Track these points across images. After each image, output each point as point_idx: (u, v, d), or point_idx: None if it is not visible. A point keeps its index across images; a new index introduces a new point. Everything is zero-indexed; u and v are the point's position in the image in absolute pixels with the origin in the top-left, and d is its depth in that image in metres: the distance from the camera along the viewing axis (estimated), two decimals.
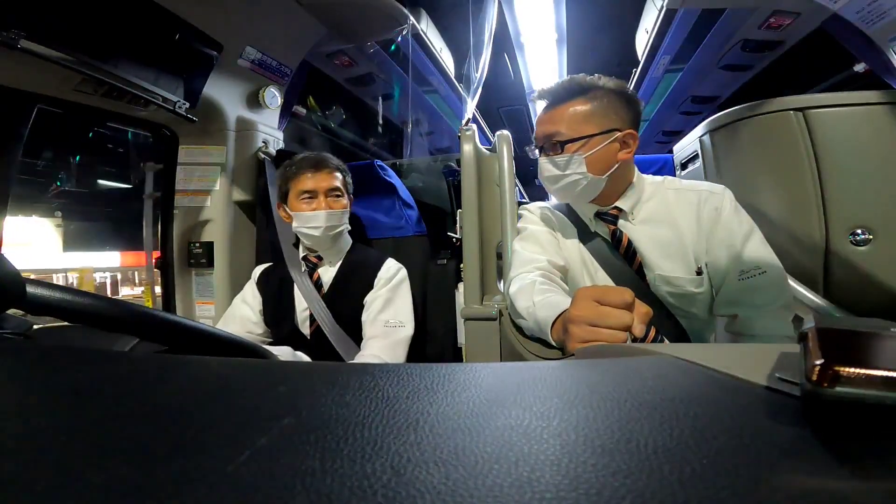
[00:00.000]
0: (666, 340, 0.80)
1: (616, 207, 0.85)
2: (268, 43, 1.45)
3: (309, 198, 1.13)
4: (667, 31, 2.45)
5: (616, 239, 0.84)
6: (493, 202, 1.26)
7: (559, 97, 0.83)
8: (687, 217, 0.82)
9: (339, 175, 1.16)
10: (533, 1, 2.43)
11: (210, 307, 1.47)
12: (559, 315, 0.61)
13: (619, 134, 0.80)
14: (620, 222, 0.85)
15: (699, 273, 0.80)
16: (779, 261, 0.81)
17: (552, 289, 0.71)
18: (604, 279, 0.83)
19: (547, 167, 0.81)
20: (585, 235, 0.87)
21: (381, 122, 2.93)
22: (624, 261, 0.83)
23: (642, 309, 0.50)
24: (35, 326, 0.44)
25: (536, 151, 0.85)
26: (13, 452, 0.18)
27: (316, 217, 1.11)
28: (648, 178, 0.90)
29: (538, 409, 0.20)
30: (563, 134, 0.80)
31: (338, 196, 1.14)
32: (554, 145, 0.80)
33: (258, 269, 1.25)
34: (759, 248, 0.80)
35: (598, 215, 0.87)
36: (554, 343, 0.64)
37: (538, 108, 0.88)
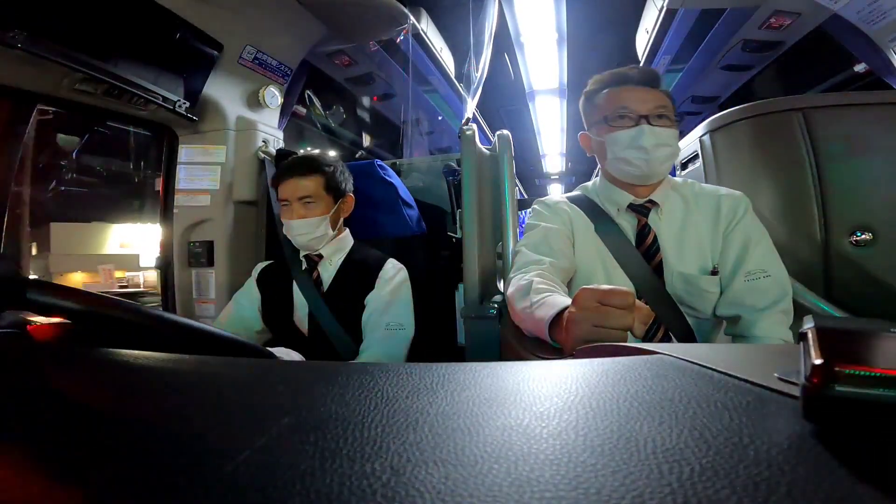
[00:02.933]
0: (674, 339, 0.81)
1: (651, 200, 0.87)
2: (268, 42, 1.45)
3: (285, 206, 1.12)
4: (667, 31, 2.45)
5: (643, 233, 0.85)
6: (493, 202, 1.26)
7: (654, 80, 0.87)
8: (707, 218, 0.85)
9: (313, 179, 1.11)
10: (533, 1, 2.43)
11: (210, 307, 1.46)
12: (557, 314, 0.61)
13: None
14: (651, 216, 0.86)
15: (714, 273, 0.82)
16: (784, 268, 0.83)
17: (550, 288, 0.71)
18: (619, 274, 0.84)
19: (657, 134, 0.83)
20: (603, 229, 0.87)
21: (369, 118, 2.93)
22: (643, 256, 0.84)
23: (643, 310, 0.50)
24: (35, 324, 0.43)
25: (619, 121, 0.85)
26: (11, 451, 0.18)
27: (289, 226, 1.11)
28: (672, 178, 0.92)
29: (538, 409, 0.20)
30: (670, 109, 0.85)
31: (308, 203, 1.10)
32: (661, 117, 0.84)
33: (259, 266, 1.25)
34: (767, 253, 0.83)
35: (632, 207, 0.87)
36: (552, 343, 0.63)
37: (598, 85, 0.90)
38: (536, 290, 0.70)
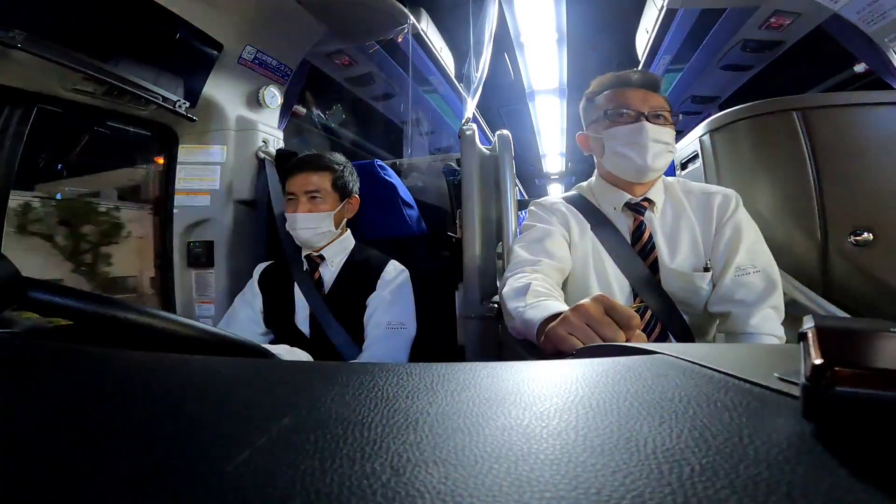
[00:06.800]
0: (672, 336, 0.81)
1: (647, 199, 0.89)
2: (268, 42, 1.45)
3: (291, 199, 1.13)
4: (667, 31, 2.45)
5: (638, 231, 0.87)
6: (493, 202, 1.26)
7: (653, 84, 0.90)
8: (699, 216, 0.88)
9: (322, 175, 1.13)
10: (533, 1, 2.43)
11: (210, 307, 1.46)
12: (548, 318, 0.60)
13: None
14: (647, 214, 0.88)
15: (707, 269, 0.84)
16: (776, 265, 0.84)
17: (549, 293, 0.71)
18: (615, 272, 0.85)
19: (655, 131, 0.86)
20: (599, 228, 0.89)
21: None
22: (638, 254, 0.85)
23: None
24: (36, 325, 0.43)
25: (619, 118, 0.88)
26: (13, 452, 0.18)
27: (292, 220, 1.12)
28: (665, 177, 0.94)
29: (537, 409, 0.20)
30: (667, 112, 0.88)
31: (314, 198, 1.12)
32: (659, 116, 0.87)
33: (260, 267, 1.25)
34: (757, 249, 0.84)
35: (628, 205, 0.89)
36: (537, 344, 0.62)
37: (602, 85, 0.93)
38: (533, 293, 0.69)
